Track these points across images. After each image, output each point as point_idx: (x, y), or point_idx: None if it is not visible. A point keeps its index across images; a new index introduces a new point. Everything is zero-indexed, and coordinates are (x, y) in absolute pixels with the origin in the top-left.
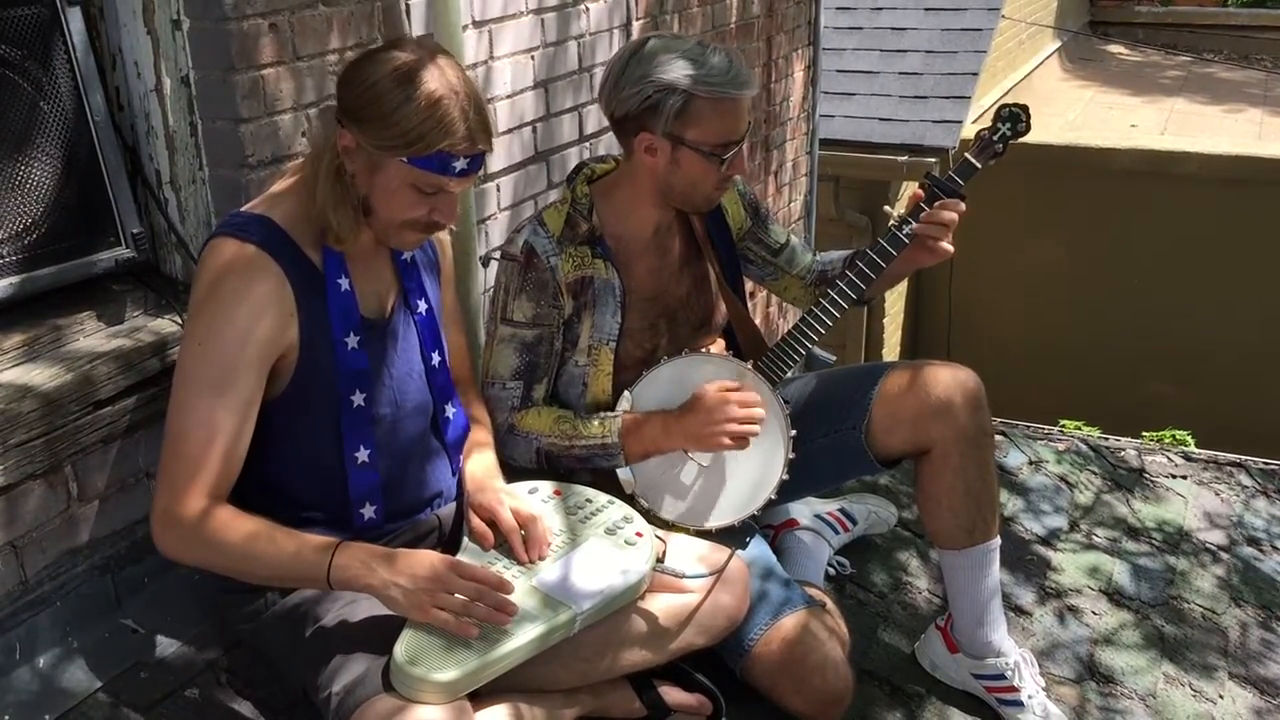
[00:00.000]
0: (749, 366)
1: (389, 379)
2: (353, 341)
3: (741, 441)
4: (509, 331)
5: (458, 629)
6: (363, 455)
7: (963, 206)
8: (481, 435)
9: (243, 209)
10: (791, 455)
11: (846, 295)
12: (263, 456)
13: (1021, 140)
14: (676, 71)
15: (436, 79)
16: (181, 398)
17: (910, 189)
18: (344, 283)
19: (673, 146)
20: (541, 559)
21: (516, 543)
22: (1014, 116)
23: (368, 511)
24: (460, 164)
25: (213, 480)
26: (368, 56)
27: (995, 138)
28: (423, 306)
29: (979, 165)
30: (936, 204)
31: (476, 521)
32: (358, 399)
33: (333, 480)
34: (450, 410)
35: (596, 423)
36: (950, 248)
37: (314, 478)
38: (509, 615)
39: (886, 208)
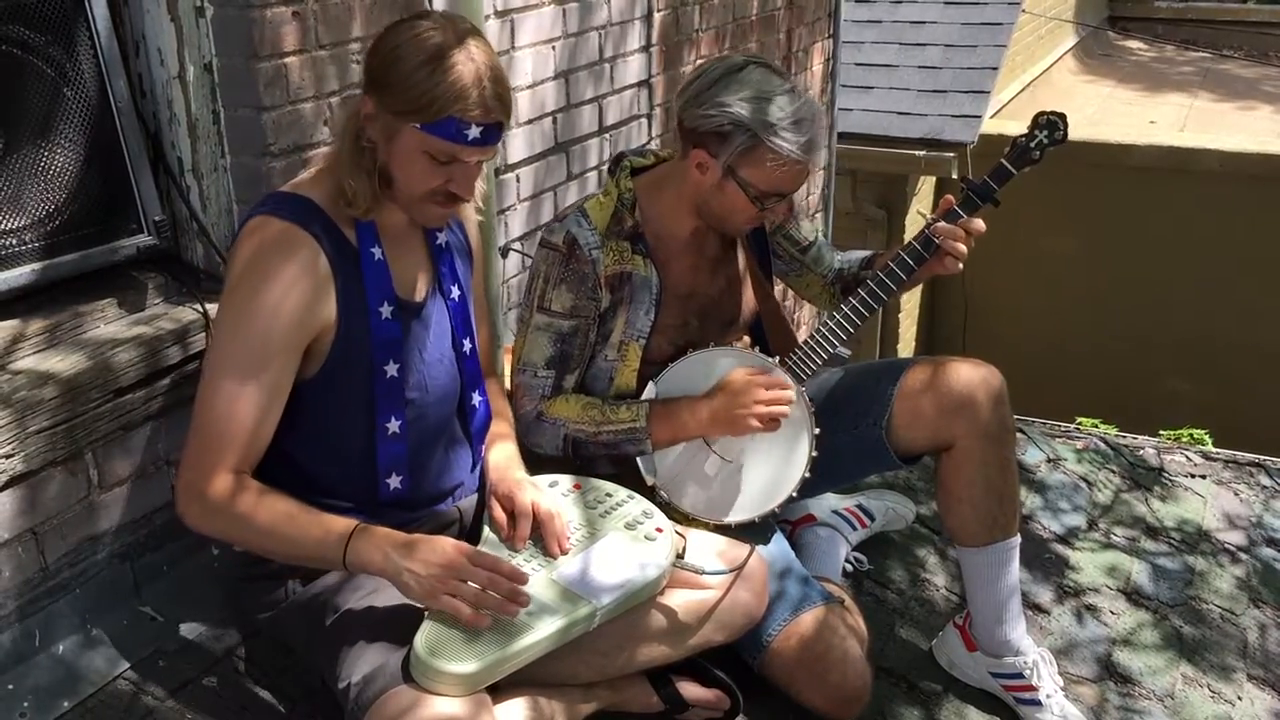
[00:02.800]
0: (776, 362)
1: (420, 362)
2: (386, 311)
3: (772, 424)
4: (545, 320)
5: (469, 619)
6: (394, 426)
7: (982, 225)
8: (504, 427)
9: (279, 189)
10: (815, 453)
11: (877, 296)
12: (288, 434)
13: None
14: (757, 114)
15: (454, 46)
16: (213, 374)
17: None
18: (377, 252)
19: (723, 175)
20: (563, 553)
21: (525, 529)
22: (1051, 125)
23: (394, 482)
24: (473, 132)
25: (237, 457)
26: (397, 24)
27: (1032, 145)
28: (455, 292)
29: (1015, 171)
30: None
31: (496, 510)
32: (391, 369)
33: (359, 457)
34: (476, 398)
35: (624, 408)
36: (961, 265)
37: (340, 456)
38: (520, 606)
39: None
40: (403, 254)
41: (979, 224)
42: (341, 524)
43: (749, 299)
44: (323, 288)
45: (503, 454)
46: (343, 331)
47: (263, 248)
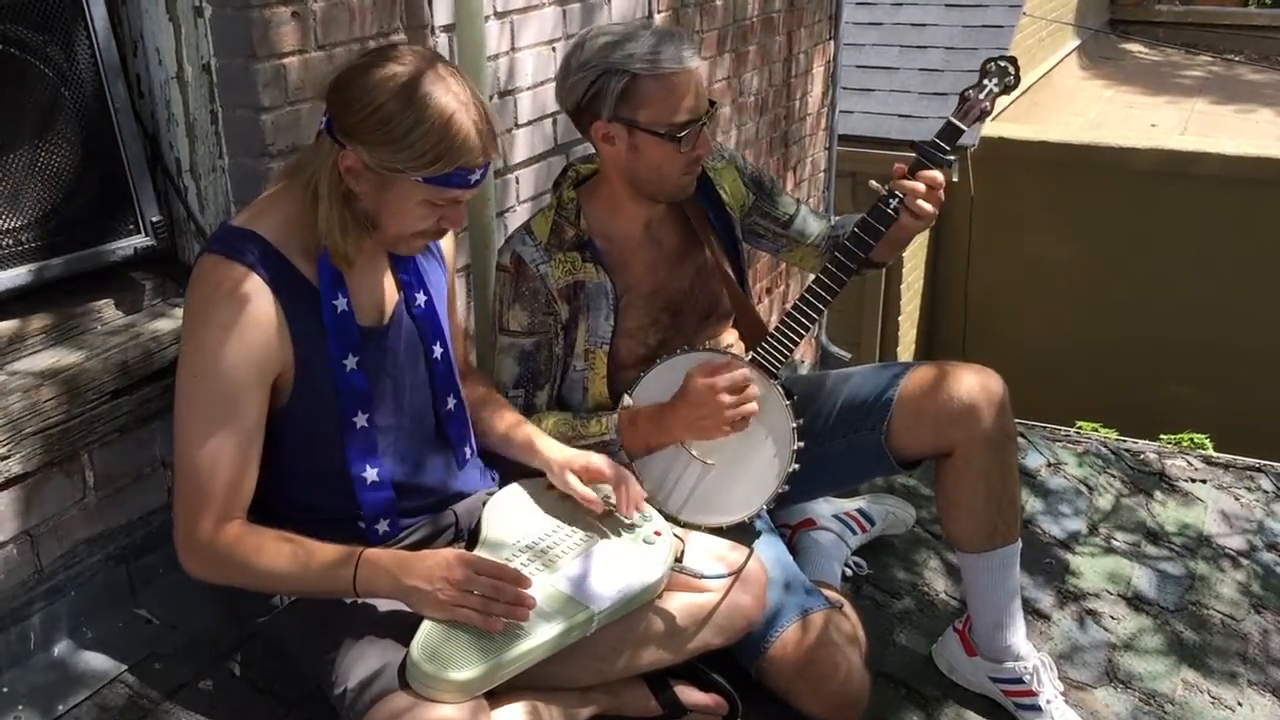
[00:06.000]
0: (746, 360)
1: (391, 390)
2: (351, 363)
3: (741, 424)
4: (507, 341)
5: (481, 624)
6: (371, 475)
7: (941, 177)
8: (514, 413)
9: (232, 222)
10: (799, 445)
11: (837, 278)
12: (275, 467)
13: (1041, 138)
14: (616, 53)
15: (444, 93)
16: (185, 429)
17: None
18: (340, 303)
19: (629, 132)
20: (628, 518)
21: (635, 489)
22: (1001, 70)
23: (382, 526)
24: (475, 176)
25: (226, 506)
26: (361, 73)
27: (982, 95)
28: (421, 299)
29: (964, 127)
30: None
31: (581, 489)
32: (360, 420)
33: (344, 493)
34: (451, 402)
35: (594, 422)
36: (933, 208)
37: (325, 490)
38: (528, 609)
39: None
40: (366, 277)
41: (937, 175)
42: (343, 554)
43: (726, 288)
44: (275, 331)
45: (538, 438)
46: (302, 375)
47: (215, 296)
